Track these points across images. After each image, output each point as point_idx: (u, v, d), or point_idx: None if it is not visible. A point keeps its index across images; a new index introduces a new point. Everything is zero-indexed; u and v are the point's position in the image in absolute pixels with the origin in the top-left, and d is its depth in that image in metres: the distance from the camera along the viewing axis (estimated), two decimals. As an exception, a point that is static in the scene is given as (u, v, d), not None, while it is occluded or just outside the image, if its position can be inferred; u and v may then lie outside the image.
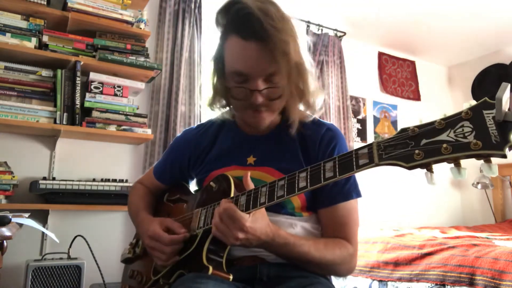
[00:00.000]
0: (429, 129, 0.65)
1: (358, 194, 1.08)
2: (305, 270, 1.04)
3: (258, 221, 0.90)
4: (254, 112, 1.04)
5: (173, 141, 1.32)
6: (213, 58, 1.10)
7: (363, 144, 0.75)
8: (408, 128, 0.67)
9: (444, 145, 0.61)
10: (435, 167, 0.66)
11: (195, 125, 1.31)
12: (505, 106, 0.58)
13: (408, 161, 0.66)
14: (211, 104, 1.15)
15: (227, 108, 1.19)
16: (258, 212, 0.91)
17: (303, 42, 1.05)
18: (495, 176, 0.62)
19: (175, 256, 1.04)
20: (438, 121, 0.64)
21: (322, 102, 1.14)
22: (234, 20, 1.00)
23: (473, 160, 0.63)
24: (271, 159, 1.09)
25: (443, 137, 0.63)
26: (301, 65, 1.03)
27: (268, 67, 0.98)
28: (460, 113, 0.62)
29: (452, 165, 0.63)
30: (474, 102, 0.61)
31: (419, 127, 0.66)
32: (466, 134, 0.60)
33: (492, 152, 0.57)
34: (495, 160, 0.62)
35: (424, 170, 0.67)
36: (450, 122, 0.63)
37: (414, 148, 0.65)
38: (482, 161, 0.62)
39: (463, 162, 0.64)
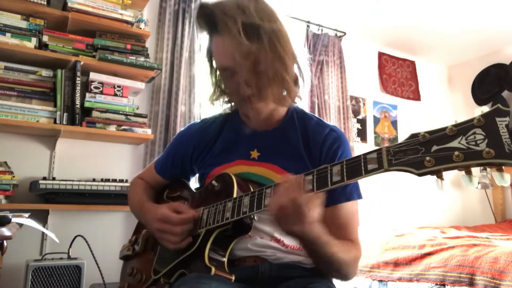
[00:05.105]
0: (440, 135, 0.64)
1: (360, 196, 1.08)
2: (306, 270, 1.03)
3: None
4: (247, 105, 1.05)
5: (176, 134, 1.32)
6: (206, 57, 1.14)
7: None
8: (419, 133, 0.66)
9: (456, 153, 0.60)
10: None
11: (200, 119, 1.30)
12: None
13: (418, 168, 0.64)
14: (214, 100, 1.17)
15: (230, 104, 1.19)
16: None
17: (299, 37, 1.05)
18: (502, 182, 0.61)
19: (187, 237, 1.01)
20: (449, 128, 0.63)
21: (303, 96, 1.12)
22: (196, 20, 1.06)
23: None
24: (275, 156, 1.08)
25: (455, 144, 0.62)
26: (281, 52, 0.99)
27: (229, 59, 0.99)
28: (472, 119, 0.61)
29: (463, 172, 0.62)
30: (486, 109, 0.60)
31: (429, 133, 0.65)
32: (478, 142, 0.59)
33: (505, 161, 0.56)
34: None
35: (433, 177, 0.66)
36: (462, 128, 0.62)
37: (425, 155, 0.64)
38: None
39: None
